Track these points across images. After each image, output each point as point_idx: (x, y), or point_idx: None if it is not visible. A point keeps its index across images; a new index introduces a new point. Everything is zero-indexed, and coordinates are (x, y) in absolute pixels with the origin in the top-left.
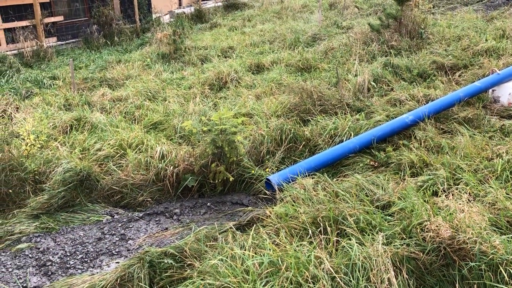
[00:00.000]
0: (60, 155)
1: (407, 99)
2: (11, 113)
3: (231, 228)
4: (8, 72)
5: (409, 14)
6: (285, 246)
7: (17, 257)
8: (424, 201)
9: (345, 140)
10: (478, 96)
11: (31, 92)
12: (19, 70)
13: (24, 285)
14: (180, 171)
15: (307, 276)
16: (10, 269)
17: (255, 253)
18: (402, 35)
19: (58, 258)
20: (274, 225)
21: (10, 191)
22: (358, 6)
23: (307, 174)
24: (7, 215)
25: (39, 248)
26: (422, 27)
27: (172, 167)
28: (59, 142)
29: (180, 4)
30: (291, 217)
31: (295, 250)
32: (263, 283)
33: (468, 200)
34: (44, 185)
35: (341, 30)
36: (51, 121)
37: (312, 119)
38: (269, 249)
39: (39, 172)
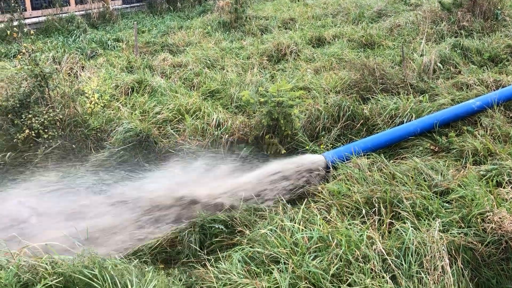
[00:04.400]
0: (121, 115)
1: (475, 84)
2: (77, 71)
3: (281, 200)
4: (75, 32)
5: None
6: (336, 223)
7: None
8: (487, 191)
9: (406, 121)
10: None
11: (96, 52)
12: (85, 30)
13: None
14: (234, 140)
15: (357, 254)
16: None
17: (305, 227)
18: (475, 15)
19: None
20: (326, 201)
21: (74, 146)
22: None
23: (363, 153)
24: (70, 168)
25: None
26: (499, 7)
27: (227, 135)
28: (120, 102)
29: None
30: (343, 195)
31: (346, 228)
32: (311, 257)
33: None
34: (105, 142)
35: (409, 7)
36: (114, 81)
37: (372, 97)
38: (320, 225)
39: (101, 130)
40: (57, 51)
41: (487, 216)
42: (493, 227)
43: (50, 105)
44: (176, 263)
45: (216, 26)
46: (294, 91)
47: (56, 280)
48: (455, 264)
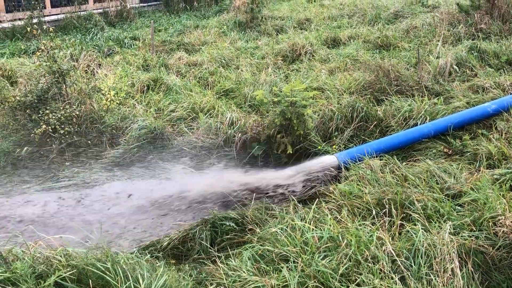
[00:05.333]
0: (136, 113)
1: (491, 87)
2: (93, 68)
3: (292, 200)
4: (93, 29)
5: None
6: (346, 224)
7: None
8: (500, 194)
9: (420, 124)
10: None
11: (113, 50)
12: (103, 28)
13: None
14: (247, 139)
15: (367, 255)
16: None
17: (315, 227)
18: (493, 18)
19: None
20: (337, 202)
21: (89, 142)
22: None
23: (375, 155)
24: (85, 164)
25: None
26: None
27: (240, 134)
28: (136, 100)
29: None
30: (355, 196)
31: (356, 228)
32: (321, 257)
33: None
34: (120, 139)
35: (426, 8)
36: (129, 79)
37: (386, 99)
38: (330, 225)
39: (116, 127)
40: (74, 49)
41: (499, 219)
42: (505, 231)
43: (67, 101)
44: (187, 259)
45: (231, 26)
46: (308, 91)
47: (70, 272)
48: (465, 267)
